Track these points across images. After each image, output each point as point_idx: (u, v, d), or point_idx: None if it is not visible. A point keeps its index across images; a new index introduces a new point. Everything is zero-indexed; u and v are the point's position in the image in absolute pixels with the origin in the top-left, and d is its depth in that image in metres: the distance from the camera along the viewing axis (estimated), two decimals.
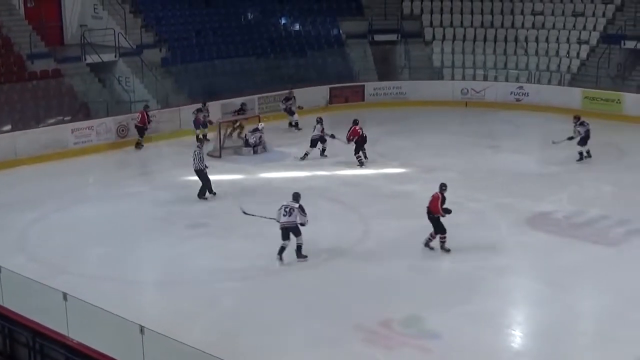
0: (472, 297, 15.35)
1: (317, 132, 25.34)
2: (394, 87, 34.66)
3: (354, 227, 19.26)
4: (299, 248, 16.96)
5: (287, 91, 30.30)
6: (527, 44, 36.04)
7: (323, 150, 25.48)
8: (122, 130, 27.03)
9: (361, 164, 24.33)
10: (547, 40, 35.94)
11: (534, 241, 18.43)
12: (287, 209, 16.89)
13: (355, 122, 25.00)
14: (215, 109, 28.43)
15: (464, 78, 35.46)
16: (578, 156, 24.57)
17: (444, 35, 36.99)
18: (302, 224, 16.88)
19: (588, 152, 24.72)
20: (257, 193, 21.88)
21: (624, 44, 34.04)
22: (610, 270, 16.64)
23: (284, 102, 29.89)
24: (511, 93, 33.92)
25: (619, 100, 31.41)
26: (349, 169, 24.18)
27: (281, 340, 13.79)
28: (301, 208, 16.88)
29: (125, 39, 30.31)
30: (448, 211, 17.29)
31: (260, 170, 24.10)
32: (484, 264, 16.92)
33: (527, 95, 33.51)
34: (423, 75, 35.48)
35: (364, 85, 34.35)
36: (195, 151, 21.22)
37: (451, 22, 37.34)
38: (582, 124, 24.67)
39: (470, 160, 25.09)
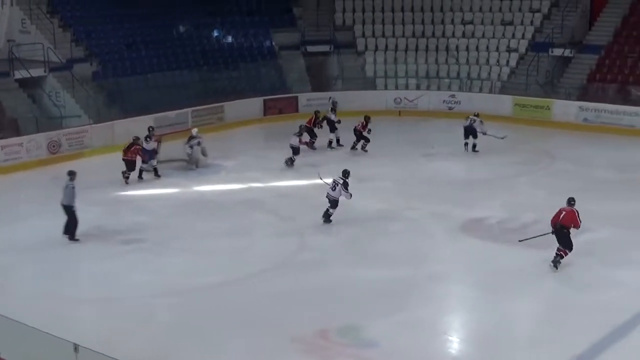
0: (408, 305, 15.41)
1: (295, 141, 25.49)
2: (327, 98, 34.70)
3: (290, 238, 19.19)
4: (327, 214, 19.71)
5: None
6: (458, 53, 36.49)
7: (290, 160, 25.47)
8: (53, 147, 26.57)
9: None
10: (477, 49, 36.45)
11: (468, 247, 18.60)
12: (334, 184, 19.51)
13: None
14: (149, 123, 28.07)
15: (397, 87, 35.73)
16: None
17: (376, 46, 37.24)
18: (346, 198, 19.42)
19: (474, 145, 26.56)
20: (189, 207, 21.71)
21: (552, 52, 34.72)
22: (543, 274, 16.85)
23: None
24: (444, 101, 34.32)
25: (548, 106, 31.97)
26: (284, 180, 24.17)
27: (218, 354, 13.67)
28: (345, 184, 19.43)
29: (55, 53, 29.80)
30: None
31: (194, 184, 23.92)
32: (419, 271, 17.01)
33: (459, 103, 33.91)
34: (356, 86, 35.69)
35: (297, 97, 34.39)
36: (68, 185, 18.85)
37: (383, 33, 37.61)
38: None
39: (405, 169, 25.28)
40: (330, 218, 19.86)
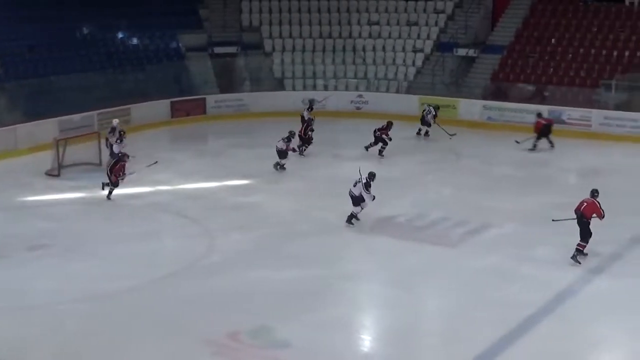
0: (320, 305, 15.43)
1: (282, 145, 24.92)
2: (235, 99, 34.71)
3: (199, 241, 19.02)
4: (350, 215, 19.51)
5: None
6: (365, 53, 36.83)
7: (278, 164, 24.99)
8: None
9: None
10: (384, 49, 36.84)
11: (378, 246, 18.76)
12: (356, 182, 19.31)
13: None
14: (53, 126, 27.57)
15: (305, 88, 35.83)
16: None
17: (283, 47, 37.29)
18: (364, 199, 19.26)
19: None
20: (96, 211, 21.35)
21: (457, 52, 35.37)
22: (452, 270, 17.11)
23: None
24: (351, 102, 34.61)
25: (454, 105, 32.52)
26: (193, 183, 23.95)
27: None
28: (366, 184, 19.20)
29: None
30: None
31: (100, 188, 23.47)
32: (331, 271, 17.05)
33: (367, 103, 34.26)
34: (264, 87, 35.74)
35: (205, 98, 34.19)
36: None
37: (290, 33, 37.69)
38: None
39: (315, 169, 25.36)
40: (352, 221, 19.70)
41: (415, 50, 36.42)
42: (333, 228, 19.96)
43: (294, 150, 25.48)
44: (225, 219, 20.35)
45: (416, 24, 37.37)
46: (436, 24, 37.08)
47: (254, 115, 33.66)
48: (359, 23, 37.96)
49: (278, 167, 25.06)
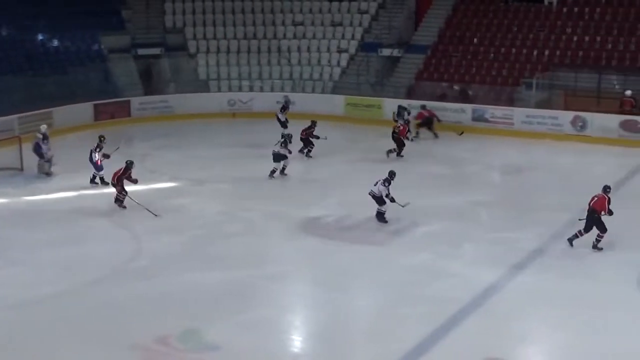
0: (249, 306, 15.37)
1: (277, 148, 24.35)
2: (160, 101, 34.37)
3: (126, 245, 18.77)
4: (379, 213, 19.71)
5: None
6: (290, 54, 36.86)
7: (275, 171, 24.29)
8: None
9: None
10: (308, 49, 36.94)
11: (306, 246, 18.78)
12: (377, 181, 19.55)
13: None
14: None
15: (230, 89, 35.71)
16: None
17: (208, 48, 37.08)
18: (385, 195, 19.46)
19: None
20: (19, 217, 20.92)
21: (381, 52, 35.64)
22: (379, 269, 17.21)
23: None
24: (277, 102, 34.40)
25: (379, 105, 32.72)
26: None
27: None
28: (385, 181, 19.51)
29: None
30: (611, 212, 17.65)
31: (24, 193, 23.02)
32: (259, 272, 16.99)
33: (293, 104, 34.16)
34: (189, 88, 35.44)
35: (129, 101, 33.75)
36: None
37: (215, 35, 37.50)
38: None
39: (241, 171, 25.24)
40: (385, 217, 19.90)
41: (340, 51, 36.59)
42: (260, 229, 19.93)
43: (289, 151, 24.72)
44: (152, 222, 20.12)
45: (340, 24, 37.55)
46: (360, 24, 37.31)
47: (180, 117, 33.38)
48: (283, 24, 37.98)
49: (279, 173, 24.30)
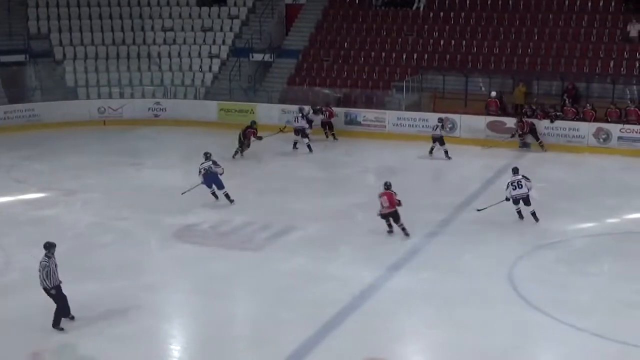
0: (125, 317, 15.04)
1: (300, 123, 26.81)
2: (26, 110, 33.28)
3: None
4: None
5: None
6: (160, 59, 36.41)
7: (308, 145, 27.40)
8: None
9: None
10: (179, 55, 36.59)
11: (183, 254, 18.54)
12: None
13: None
14: None
15: (100, 97, 34.94)
16: None
17: (75, 54, 36.19)
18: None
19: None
20: None
21: (253, 57, 35.66)
22: (258, 274, 17.17)
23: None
24: (149, 109, 34.08)
25: (252, 110, 32.64)
26: None
27: None
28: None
29: None
30: (399, 203, 18.79)
31: None
32: (134, 282, 16.66)
33: (165, 110, 33.87)
34: (57, 96, 34.45)
35: None
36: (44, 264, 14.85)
37: (82, 41, 36.63)
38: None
39: (113, 180, 24.75)
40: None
41: (211, 56, 36.38)
42: (135, 238, 19.56)
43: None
44: (21, 234, 19.45)
45: (211, 29, 37.35)
46: (231, 29, 37.21)
47: (47, 126, 32.43)
48: (152, 29, 37.47)
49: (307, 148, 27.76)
